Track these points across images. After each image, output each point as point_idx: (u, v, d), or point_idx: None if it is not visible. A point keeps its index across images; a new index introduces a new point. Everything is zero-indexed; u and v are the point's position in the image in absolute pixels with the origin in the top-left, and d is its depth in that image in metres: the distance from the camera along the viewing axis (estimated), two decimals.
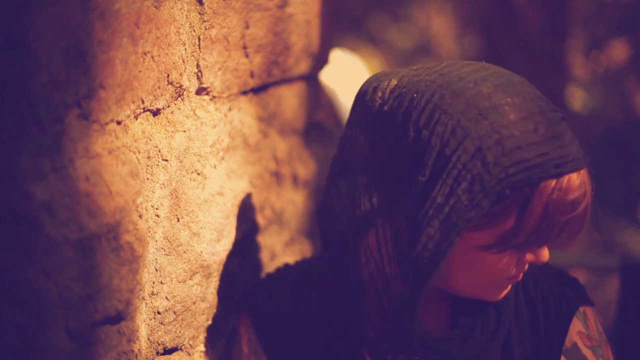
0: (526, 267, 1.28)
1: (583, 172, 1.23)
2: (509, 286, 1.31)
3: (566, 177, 1.20)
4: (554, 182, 1.19)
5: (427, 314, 1.34)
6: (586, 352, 1.37)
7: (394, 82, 1.27)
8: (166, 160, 1.29)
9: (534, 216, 1.19)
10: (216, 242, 1.45)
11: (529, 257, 1.26)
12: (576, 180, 1.21)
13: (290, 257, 1.74)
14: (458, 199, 1.18)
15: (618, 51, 5.99)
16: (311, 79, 1.82)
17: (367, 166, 1.27)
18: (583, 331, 1.38)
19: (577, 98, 5.91)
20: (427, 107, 1.22)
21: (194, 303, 1.40)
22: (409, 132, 1.22)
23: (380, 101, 1.27)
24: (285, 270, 1.49)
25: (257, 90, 1.58)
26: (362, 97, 1.30)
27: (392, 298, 1.27)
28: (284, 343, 1.40)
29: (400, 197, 1.24)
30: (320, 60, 1.82)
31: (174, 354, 1.37)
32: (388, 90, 1.27)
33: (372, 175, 1.27)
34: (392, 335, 1.29)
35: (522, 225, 1.20)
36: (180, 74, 1.32)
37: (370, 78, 1.32)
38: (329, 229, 1.35)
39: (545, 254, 1.26)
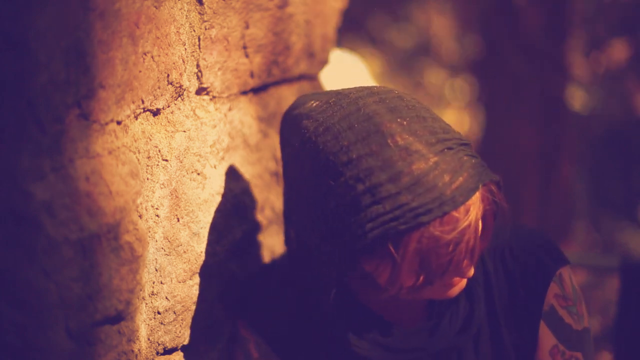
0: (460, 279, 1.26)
1: (471, 202, 1.16)
2: (461, 284, 1.28)
3: (436, 221, 1.14)
4: (418, 232, 1.14)
5: (403, 310, 1.35)
6: (562, 312, 1.38)
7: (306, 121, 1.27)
8: (166, 160, 1.29)
9: (406, 267, 1.17)
10: (216, 242, 1.45)
11: (451, 280, 1.24)
12: (453, 217, 1.14)
13: None
14: (329, 252, 1.20)
15: (618, 51, 5.99)
16: (311, 79, 1.82)
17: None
18: (559, 293, 1.38)
19: (577, 98, 5.91)
20: (310, 160, 1.23)
21: (194, 303, 1.40)
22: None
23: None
24: (274, 267, 1.51)
25: (257, 90, 1.58)
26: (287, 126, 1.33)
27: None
28: (287, 341, 1.41)
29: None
30: (320, 60, 1.82)
31: (174, 354, 1.37)
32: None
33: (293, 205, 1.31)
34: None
35: (397, 276, 1.18)
36: (180, 74, 1.32)
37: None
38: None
39: (467, 272, 1.23)
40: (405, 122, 1.19)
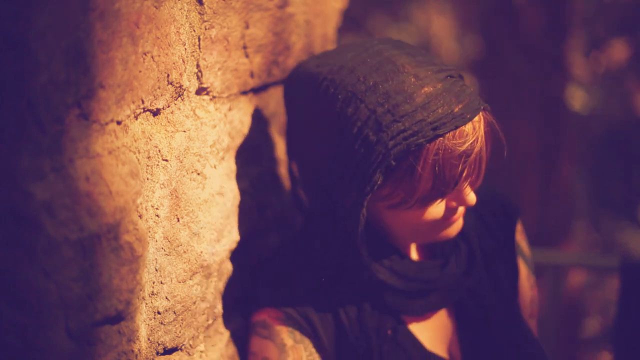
0: (458, 210, 1.42)
1: (475, 123, 1.33)
2: (459, 222, 1.45)
3: (449, 134, 1.31)
4: (435, 143, 1.31)
5: (412, 253, 1.54)
6: (523, 244, 1.63)
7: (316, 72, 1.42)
8: (166, 160, 1.29)
9: (425, 177, 1.32)
10: (216, 242, 1.45)
11: (453, 203, 1.40)
12: (463, 132, 1.32)
13: None
14: (354, 175, 1.33)
15: (618, 51, 5.99)
16: None
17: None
18: (520, 229, 1.62)
19: (577, 98, 5.91)
20: (326, 99, 1.37)
21: (194, 303, 1.40)
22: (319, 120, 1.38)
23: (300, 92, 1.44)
24: (284, 252, 1.54)
25: (257, 90, 1.58)
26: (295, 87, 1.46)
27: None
28: (319, 306, 1.46)
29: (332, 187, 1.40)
30: None
31: (174, 354, 1.37)
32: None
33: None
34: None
35: (417, 186, 1.32)
36: (180, 74, 1.32)
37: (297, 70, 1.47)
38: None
39: (469, 198, 1.39)
40: (410, 56, 1.36)
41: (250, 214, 1.58)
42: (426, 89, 1.32)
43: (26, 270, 1.02)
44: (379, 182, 1.32)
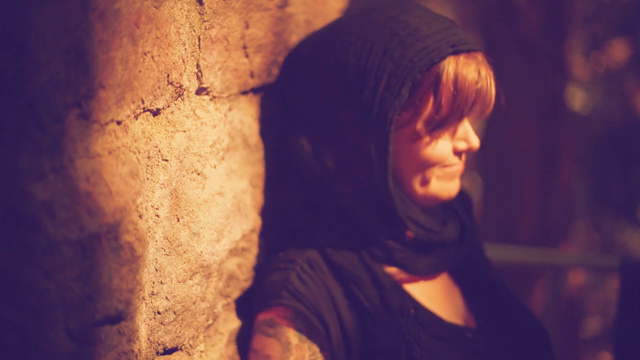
0: (463, 157, 1.54)
1: (480, 56, 1.50)
2: (457, 181, 1.56)
3: (464, 55, 1.47)
4: (454, 58, 1.46)
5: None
6: (476, 221, 1.76)
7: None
8: (166, 160, 1.29)
9: (447, 89, 1.46)
10: (216, 242, 1.45)
11: (461, 144, 1.52)
12: (474, 58, 1.48)
13: None
14: (382, 96, 1.45)
15: (618, 51, 5.99)
16: None
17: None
18: (475, 213, 1.75)
19: (577, 98, 5.92)
20: (341, 41, 1.50)
21: (194, 303, 1.40)
22: (333, 67, 1.50)
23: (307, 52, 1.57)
24: (289, 247, 1.55)
25: (257, 90, 1.58)
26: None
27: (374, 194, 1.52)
28: (327, 314, 1.47)
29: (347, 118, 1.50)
30: None
31: (174, 354, 1.37)
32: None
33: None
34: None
35: (440, 100, 1.46)
36: (180, 74, 1.32)
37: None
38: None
39: (474, 138, 1.53)
40: (417, 3, 1.55)
41: (250, 214, 1.58)
42: (436, 23, 1.49)
43: (26, 270, 1.02)
44: (406, 96, 1.44)
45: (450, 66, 1.45)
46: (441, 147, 1.50)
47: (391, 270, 1.54)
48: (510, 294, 1.66)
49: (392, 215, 1.51)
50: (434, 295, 1.58)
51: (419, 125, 1.47)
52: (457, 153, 1.53)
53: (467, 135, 1.53)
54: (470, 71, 1.46)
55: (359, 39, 1.49)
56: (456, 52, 1.46)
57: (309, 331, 1.45)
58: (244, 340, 1.55)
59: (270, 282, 1.50)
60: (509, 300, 1.65)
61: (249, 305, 1.55)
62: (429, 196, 1.54)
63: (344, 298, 1.49)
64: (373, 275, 1.51)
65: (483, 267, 1.67)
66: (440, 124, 1.47)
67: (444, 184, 1.54)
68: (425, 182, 1.53)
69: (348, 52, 1.48)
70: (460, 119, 1.50)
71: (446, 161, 1.52)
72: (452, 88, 1.45)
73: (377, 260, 1.53)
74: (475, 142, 1.53)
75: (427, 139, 1.48)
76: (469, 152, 1.55)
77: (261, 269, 1.59)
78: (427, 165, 1.51)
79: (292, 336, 1.45)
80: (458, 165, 1.54)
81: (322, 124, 1.53)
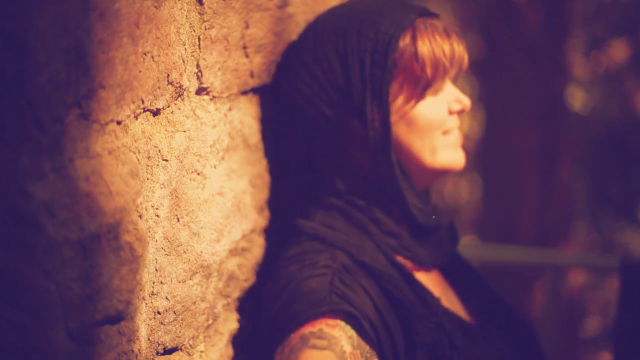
0: (460, 122, 1.60)
1: (440, 19, 1.59)
2: (462, 152, 1.61)
3: (427, 17, 1.56)
4: (422, 20, 1.55)
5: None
6: None
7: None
8: (166, 160, 1.29)
9: (426, 47, 1.54)
10: (216, 242, 1.45)
11: (455, 105, 1.58)
12: (437, 19, 1.58)
13: None
14: (371, 73, 1.52)
15: (618, 51, 5.99)
16: None
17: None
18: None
19: (577, 98, 5.91)
20: (314, 41, 1.58)
21: (194, 303, 1.40)
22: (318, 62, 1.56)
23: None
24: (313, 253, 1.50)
25: (257, 90, 1.58)
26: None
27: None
28: (373, 315, 1.45)
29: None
30: None
31: (174, 354, 1.37)
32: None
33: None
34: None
35: (423, 59, 1.53)
36: (180, 74, 1.32)
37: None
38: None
39: (465, 97, 1.60)
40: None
41: (251, 214, 1.58)
42: (393, 1, 1.60)
43: (26, 270, 1.02)
44: (392, 67, 1.52)
45: (421, 25, 1.55)
46: (437, 109, 1.56)
47: (402, 261, 1.55)
48: (494, 290, 1.70)
49: (396, 196, 1.54)
50: (436, 288, 1.59)
51: (410, 89, 1.54)
52: (453, 116, 1.59)
53: (457, 96, 1.59)
54: (439, 26, 1.56)
55: (331, 33, 1.56)
56: (421, 15, 1.56)
57: (360, 335, 1.40)
58: (244, 340, 1.54)
59: (310, 290, 1.42)
60: (494, 296, 1.69)
61: (271, 319, 1.46)
62: (438, 166, 1.57)
63: (380, 297, 1.46)
64: (401, 271, 1.51)
65: (463, 263, 1.71)
66: (429, 83, 1.54)
67: (451, 152, 1.58)
68: (433, 152, 1.56)
69: (325, 47, 1.54)
70: (444, 76, 1.56)
71: (445, 124, 1.57)
72: (429, 43, 1.54)
73: (391, 250, 1.54)
74: (466, 100, 1.60)
75: (421, 103, 1.54)
76: (463, 112, 1.60)
77: (262, 269, 1.59)
78: (429, 130, 1.55)
79: (346, 344, 1.39)
80: (457, 131, 1.59)
81: (317, 120, 1.56)
